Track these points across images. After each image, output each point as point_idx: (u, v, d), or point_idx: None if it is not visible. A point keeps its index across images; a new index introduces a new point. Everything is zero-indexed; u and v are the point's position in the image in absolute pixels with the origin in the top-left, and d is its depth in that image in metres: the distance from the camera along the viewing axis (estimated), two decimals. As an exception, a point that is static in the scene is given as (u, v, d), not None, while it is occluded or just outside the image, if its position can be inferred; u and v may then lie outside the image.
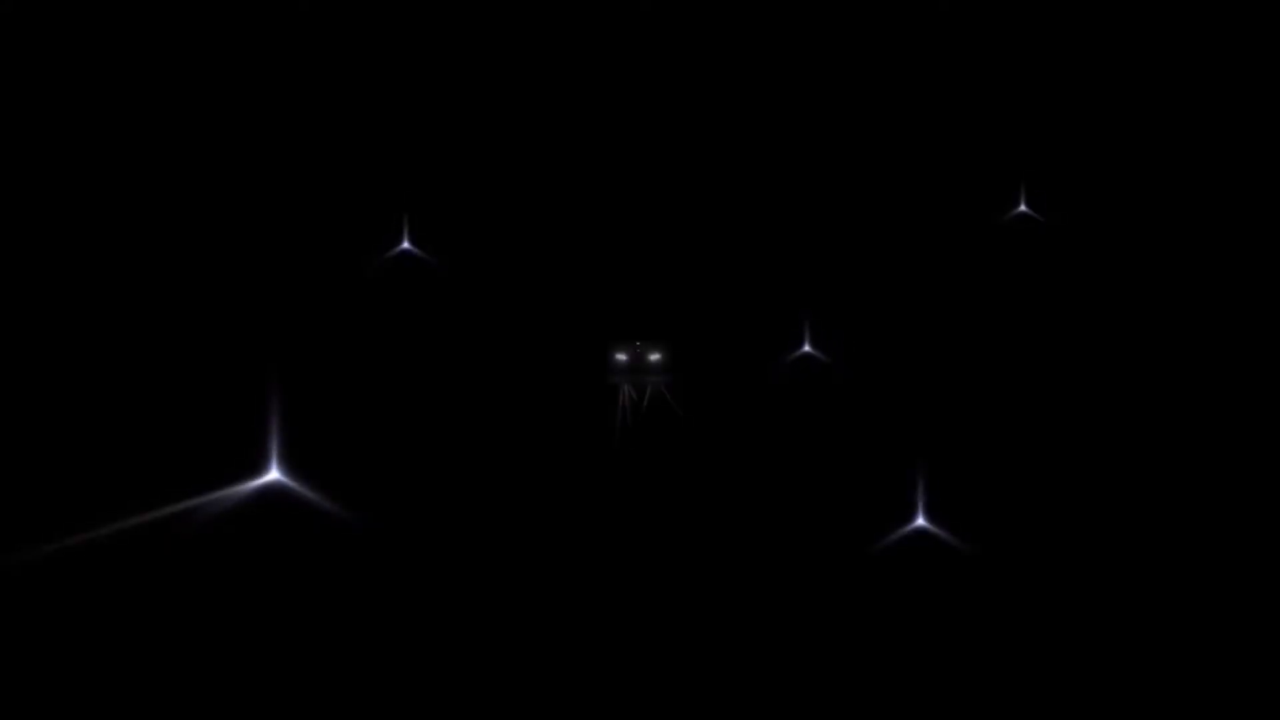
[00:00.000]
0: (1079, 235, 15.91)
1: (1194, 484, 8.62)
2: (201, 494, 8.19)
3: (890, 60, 17.48)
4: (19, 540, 6.37)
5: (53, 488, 8.45)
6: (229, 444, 12.14)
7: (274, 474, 9.79)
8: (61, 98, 14.22)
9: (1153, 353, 14.89)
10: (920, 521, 6.84)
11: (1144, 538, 6.46)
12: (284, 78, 16.68)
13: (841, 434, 13.81)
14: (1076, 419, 14.42)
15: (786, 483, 9.01)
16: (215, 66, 15.78)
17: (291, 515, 7.41)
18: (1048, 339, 16.63)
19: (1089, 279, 15.77)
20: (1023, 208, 16.68)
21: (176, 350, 16.14)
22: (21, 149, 13.75)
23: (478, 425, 15.39)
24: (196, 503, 7.89)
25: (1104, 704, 3.88)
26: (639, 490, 8.78)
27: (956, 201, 18.33)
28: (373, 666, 4.18)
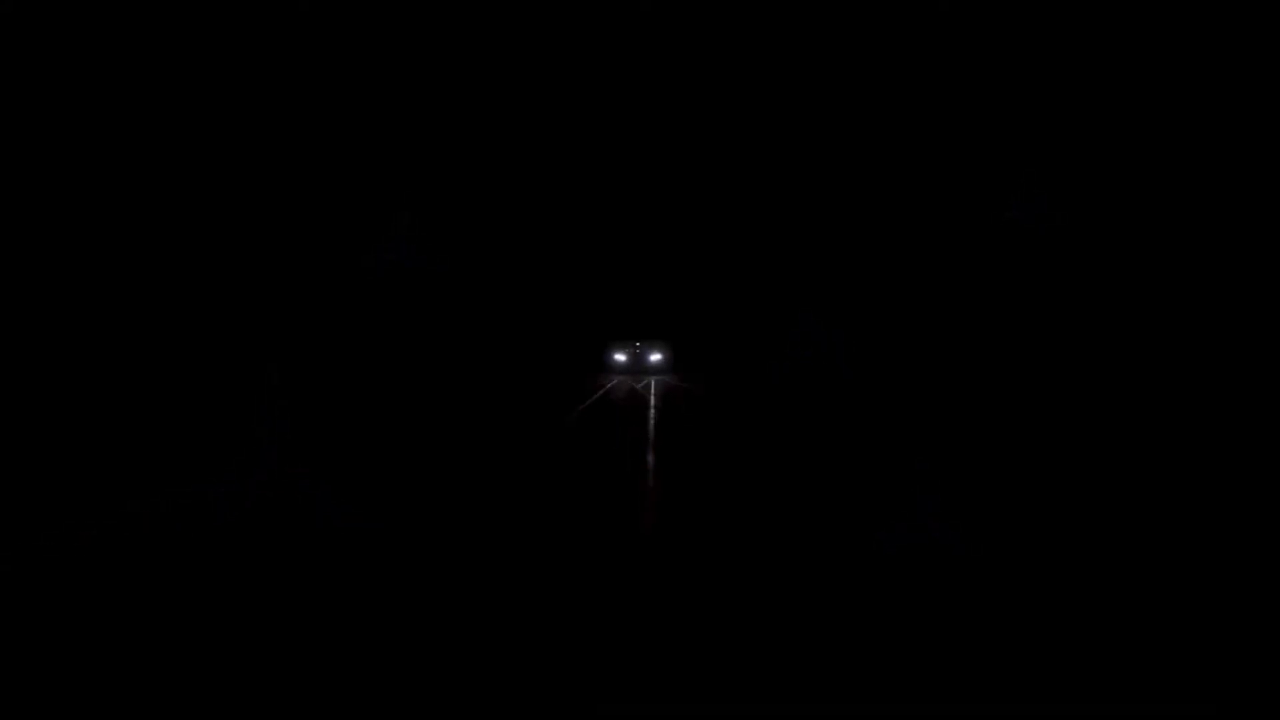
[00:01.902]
0: (1077, 236, 15.91)
1: (1190, 482, 8.64)
2: (208, 486, 8.22)
3: (890, 61, 17.48)
4: (23, 536, 6.38)
5: (55, 485, 8.47)
6: (230, 441, 12.17)
7: (276, 471, 9.84)
8: (65, 102, 14.22)
9: (1150, 352, 14.89)
10: (918, 519, 6.85)
11: (1142, 536, 6.47)
12: (285, 79, 16.68)
13: (842, 433, 13.84)
14: (1074, 419, 14.42)
15: (787, 481, 9.02)
16: (216, 70, 15.78)
17: (293, 513, 7.42)
18: (1046, 339, 16.62)
19: (1087, 279, 15.77)
20: (1020, 208, 16.70)
21: (179, 349, 16.13)
22: (25, 151, 13.73)
23: (478, 425, 15.39)
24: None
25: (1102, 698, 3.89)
26: (640, 488, 8.79)
27: (954, 202, 18.33)
28: (374, 666, 4.18)
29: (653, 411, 19.16)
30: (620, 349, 57.23)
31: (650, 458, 10.99)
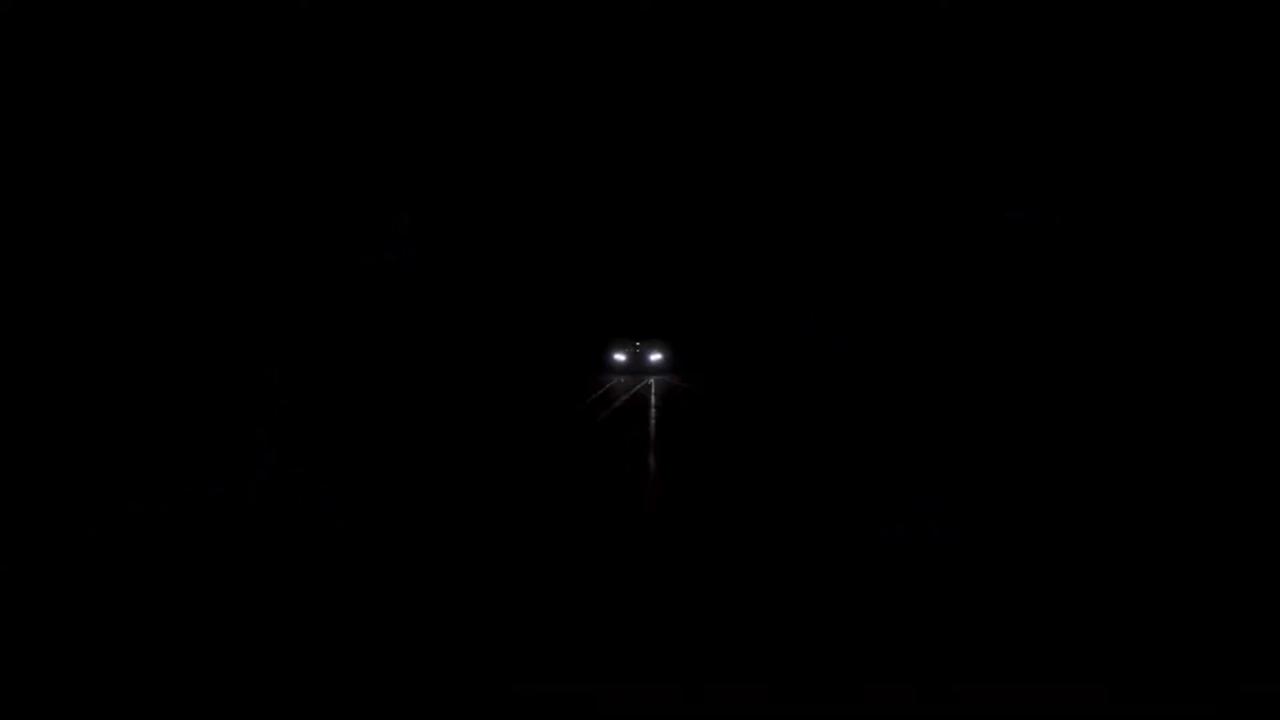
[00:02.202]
0: (1077, 236, 15.91)
1: (1190, 481, 8.65)
2: (204, 488, 8.23)
3: (890, 61, 17.46)
4: (24, 535, 6.39)
5: (55, 485, 8.49)
6: (230, 441, 12.18)
7: (275, 471, 9.87)
8: (65, 103, 14.22)
9: (1149, 352, 14.89)
10: (919, 519, 6.86)
11: (1142, 537, 6.47)
12: (286, 80, 16.67)
13: (842, 433, 13.85)
14: (1074, 418, 14.42)
15: (787, 481, 9.03)
16: (217, 70, 15.77)
17: (293, 513, 7.42)
18: (1046, 339, 16.61)
19: (1087, 279, 15.77)
20: (1020, 208, 16.68)
21: (180, 349, 16.12)
22: (26, 152, 13.74)
23: (477, 425, 15.40)
24: None
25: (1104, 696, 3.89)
26: (641, 486, 8.80)
27: (954, 202, 18.31)
28: (374, 665, 4.18)
29: (653, 411, 19.16)
30: (620, 349, 57.26)
31: (651, 459, 10.99)
